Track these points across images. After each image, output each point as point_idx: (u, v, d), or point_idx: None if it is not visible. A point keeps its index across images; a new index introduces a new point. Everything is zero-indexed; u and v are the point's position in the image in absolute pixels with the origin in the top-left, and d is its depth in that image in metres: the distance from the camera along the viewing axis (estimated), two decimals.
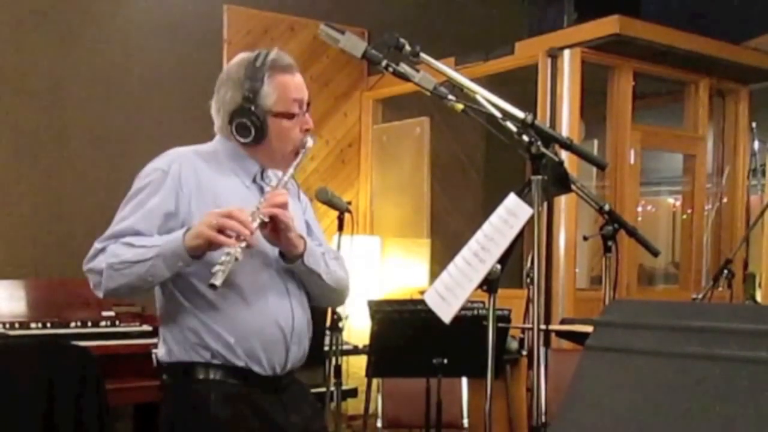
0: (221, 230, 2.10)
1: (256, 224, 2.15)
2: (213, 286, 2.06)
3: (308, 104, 2.38)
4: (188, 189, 2.26)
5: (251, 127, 2.27)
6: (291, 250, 2.28)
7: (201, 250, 2.15)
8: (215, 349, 2.24)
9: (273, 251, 2.31)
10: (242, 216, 2.13)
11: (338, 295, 2.52)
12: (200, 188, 2.28)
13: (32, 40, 5.07)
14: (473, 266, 2.02)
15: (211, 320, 2.25)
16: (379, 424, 4.54)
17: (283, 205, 2.23)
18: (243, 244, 2.10)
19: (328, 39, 2.10)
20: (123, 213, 2.27)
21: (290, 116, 2.31)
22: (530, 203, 1.97)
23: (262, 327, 2.27)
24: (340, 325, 3.87)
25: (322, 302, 2.60)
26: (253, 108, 2.27)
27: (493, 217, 2.04)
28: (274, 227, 2.22)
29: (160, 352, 2.35)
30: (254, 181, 2.38)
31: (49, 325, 4.41)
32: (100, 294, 2.23)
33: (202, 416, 2.26)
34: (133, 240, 2.19)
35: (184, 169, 2.28)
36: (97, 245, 2.23)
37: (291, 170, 2.34)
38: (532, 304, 2.06)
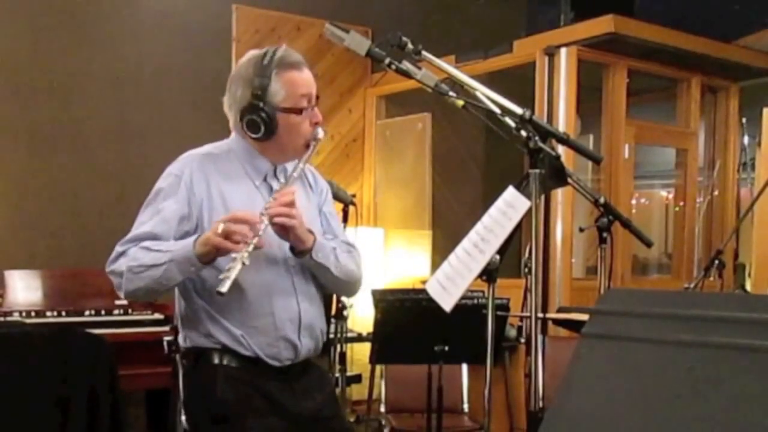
0: (228, 236, 2.12)
1: (263, 225, 2.17)
2: (220, 293, 2.08)
3: (317, 98, 2.39)
4: (199, 194, 2.31)
5: (260, 123, 2.30)
6: (299, 245, 2.31)
7: (210, 257, 2.18)
8: (224, 342, 2.31)
9: (280, 248, 2.33)
10: (249, 218, 2.15)
11: (349, 286, 2.55)
12: (210, 193, 2.32)
13: (48, 38, 5.14)
14: (473, 257, 2.05)
15: (219, 315, 2.31)
16: (382, 408, 4.57)
17: (290, 204, 2.24)
18: (250, 248, 2.11)
19: (334, 37, 2.13)
20: (141, 218, 2.32)
21: (298, 111, 2.33)
22: (528, 196, 2.00)
23: (267, 324, 2.32)
24: (345, 313, 3.91)
25: (333, 291, 2.67)
26: (262, 104, 2.29)
27: (493, 210, 2.07)
28: (282, 225, 2.25)
29: (180, 338, 2.43)
30: (265, 179, 2.40)
31: (64, 313, 4.47)
32: (121, 295, 2.29)
33: (209, 398, 2.33)
34: (151, 244, 2.23)
35: (196, 175, 2.32)
36: (118, 248, 2.28)
37: (301, 165, 2.36)
38: (530, 293, 2.06)
